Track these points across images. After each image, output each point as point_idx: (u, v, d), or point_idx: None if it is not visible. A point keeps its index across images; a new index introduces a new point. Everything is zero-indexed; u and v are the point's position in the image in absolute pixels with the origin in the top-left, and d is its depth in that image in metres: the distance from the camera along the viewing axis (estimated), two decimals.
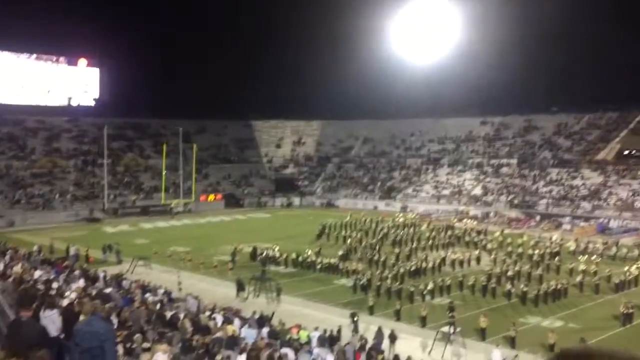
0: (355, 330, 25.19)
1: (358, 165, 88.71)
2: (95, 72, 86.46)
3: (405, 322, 27.77)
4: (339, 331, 23.49)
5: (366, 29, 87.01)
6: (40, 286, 18.50)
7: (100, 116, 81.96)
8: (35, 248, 37.67)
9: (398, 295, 31.07)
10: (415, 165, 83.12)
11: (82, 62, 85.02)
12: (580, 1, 73.89)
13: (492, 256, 40.87)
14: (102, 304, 10.36)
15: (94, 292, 20.35)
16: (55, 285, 20.25)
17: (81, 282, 23.36)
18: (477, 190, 71.89)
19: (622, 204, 59.63)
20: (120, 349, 11.12)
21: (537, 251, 41.14)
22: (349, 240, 46.30)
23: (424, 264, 37.69)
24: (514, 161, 75.18)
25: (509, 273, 34.70)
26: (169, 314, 20.11)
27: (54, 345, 7.36)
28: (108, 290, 22.64)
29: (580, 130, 77.19)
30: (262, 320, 22.59)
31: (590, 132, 75.85)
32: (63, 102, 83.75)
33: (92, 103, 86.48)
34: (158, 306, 21.73)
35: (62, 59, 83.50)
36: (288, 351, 15.82)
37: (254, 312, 24.06)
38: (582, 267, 35.99)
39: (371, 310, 29.00)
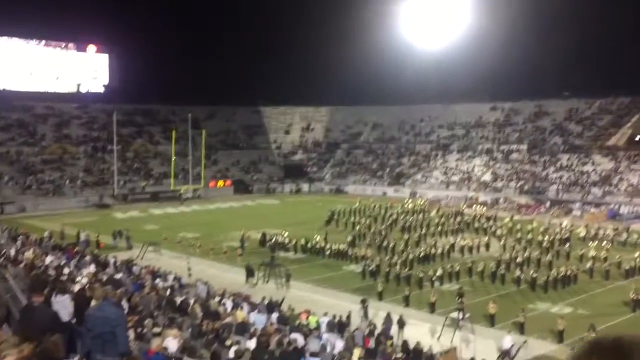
0: (365, 316, 25.24)
1: (367, 151, 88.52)
2: (104, 58, 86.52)
3: (414, 308, 27.80)
4: (348, 317, 23.55)
5: (376, 14, 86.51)
6: (52, 272, 18.66)
7: (110, 102, 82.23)
8: (46, 234, 37.93)
9: (407, 281, 31.09)
10: (425, 151, 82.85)
11: (91, 48, 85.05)
12: None
13: (502, 242, 40.79)
14: (113, 290, 10.43)
15: (104, 278, 20.50)
16: (66, 270, 20.41)
17: (92, 268, 23.56)
18: (487, 176, 71.64)
19: (633, 189, 59.24)
20: (131, 334, 11.20)
21: (547, 237, 41.00)
22: (357, 227, 46.32)
23: (433, 250, 37.66)
24: (524, 147, 74.76)
25: (518, 259, 34.61)
26: (179, 300, 20.24)
27: (65, 330, 7.40)
28: (118, 275, 22.81)
29: (592, 116, 76.58)
30: (272, 306, 22.68)
31: (602, 118, 75.24)
32: (72, 89, 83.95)
33: (102, 89, 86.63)
34: (168, 292, 21.88)
35: (71, 45, 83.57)
36: (297, 336, 15.87)
37: (264, 298, 24.16)
38: (592, 253, 35.85)
39: (380, 296, 29.05)
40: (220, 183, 77.32)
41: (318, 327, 20.28)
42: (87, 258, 28.13)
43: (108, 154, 73.73)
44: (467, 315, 24.77)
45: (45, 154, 71.95)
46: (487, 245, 40.61)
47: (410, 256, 35.70)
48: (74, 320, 9.08)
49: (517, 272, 32.17)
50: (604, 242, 39.57)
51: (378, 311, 25.83)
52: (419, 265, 34.80)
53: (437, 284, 31.29)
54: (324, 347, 15.29)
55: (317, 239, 40.25)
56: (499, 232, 44.48)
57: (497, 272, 32.62)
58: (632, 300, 27.57)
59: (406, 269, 32.80)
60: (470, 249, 39.24)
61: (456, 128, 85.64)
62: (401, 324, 23.65)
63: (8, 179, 64.48)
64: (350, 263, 36.86)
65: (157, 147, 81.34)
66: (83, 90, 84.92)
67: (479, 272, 33.28)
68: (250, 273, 32.31)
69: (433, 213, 53.04)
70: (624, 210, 56.23)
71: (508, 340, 21.46)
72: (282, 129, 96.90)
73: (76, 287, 14.49)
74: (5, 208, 58.51)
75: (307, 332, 17.75)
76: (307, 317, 21.63)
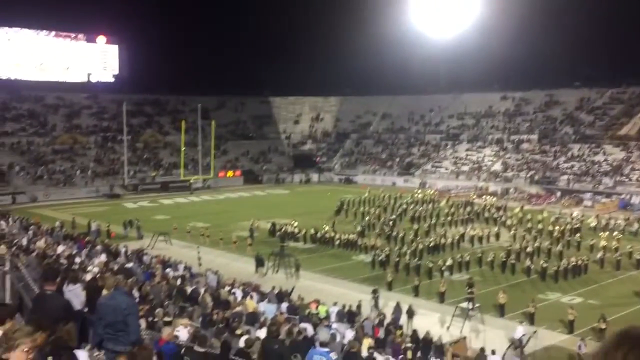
0: (376, 306, 25.27)
1: (376, 141, 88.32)
2: (114, 49, 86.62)
3: (424, 298, 27.81)
4: (358, 306, 23.61)
5: (385, 3, 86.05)
6: (63, 261, 18.81)
7: (120, 93, 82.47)
8: (57, 224, 38.19)
9: (417, 271, 31.07)
10: (434, 141, 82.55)
11: (101, 39, 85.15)
12: None
13: (512, 232, 40.66)
14: (124, 279, 10.49)
15: (115, 267, 20.64)
16: (77, 260, 20.58)
17: (103, 257, 23.73)
18: (497, 166, 71.32)
19: None
20: (142, 323, 11.28)
21: (557, 227, 40.83)
22: (367, 217, 46.32)
23: (442, 240, 37.61)
24: (535, 137, 74.29)
25: (529, 249, 34.50)
26: (189, 289, 20.35)
27: (78, 319, 7.46)
28: (129, 265, 22.96)
29: (603, 105, 75.95)
30: (282, 296, 22.77)
31: (613, 107, 74.59)
32: (82, 79, 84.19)
33: (112, 79, 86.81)
34: (179, 281, 22.01)
35: (80, 36, 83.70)
36: (307, 326, 15.94)
37: (273, 288, 24.25)
38: (603, 243, 35.68)
39: (390, 286, 29.06)
40: (230, 173, 77.49)
41: (328, 317, 20.33)
42: (98, 247, 28.35)
43: (118, 144, 74.02)
44: (477, 305, 24.77)
45: (56, 144, 72.33)
46: (497, 235, 40.54)
47: (420, 246, 35.66)
48: (85, 309, 9.16)
49: (527, 262, 32.07)
50: (615, 232, 39.37)
51: (388, 301, 25.85)
52: (428, 255, 34.78)
53: (446, 273, 31.26)
54: (333, 337, 15.33)
55: (326, 229, 40.34)
56: (509, 222, 44.34)
57: (507, 262, 32.53)
58: None
59: (416, 259, 32.81)
60: (480, 239, 39.15)
61: (466, 118, 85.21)
62: (410, 313, 23.68)
63: (19, 169, 64.90)
64: (359, 253, 36.90)
65: (166, 137, 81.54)
66: (93, 80, 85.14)
67: (488, 262, 33.23)
68: (260, 263, 32.41)
69: (443, 203, 52.96)
70: (635, 200, 55.82)
71: (520, 331, 21.44)
72: (291, 119, 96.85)
73: (88, 277, 14.62)
74: (17, 198, 58.94)
75: (316, 322, 17.80)
76: (317, 307, 21.69)
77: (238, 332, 13.85)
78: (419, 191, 60.27)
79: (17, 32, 78.25)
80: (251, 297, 20.44)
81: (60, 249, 23.40)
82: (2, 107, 75.38)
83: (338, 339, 15.80)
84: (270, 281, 28.36)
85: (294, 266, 31.73)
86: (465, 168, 73.24)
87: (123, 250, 28.81)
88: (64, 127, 76.48)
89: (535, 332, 21.74)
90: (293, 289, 25.34)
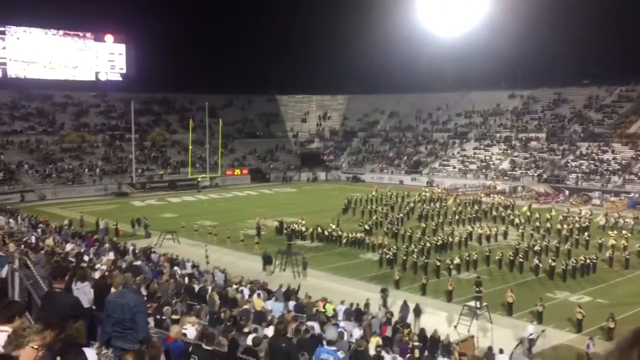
0: (384, 304, 25.25)
1: (384, 140, 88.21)
2: (122, 48, 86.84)
3: (431, 297, 27.77)
4: (366, 305, 23.59)
5: (393, 1, 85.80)
6: (72, 259, 18.88)
7: (127, 91, 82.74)
8: (65, 222, 38.32)
9: (424, 270, 31.03)
10: (442, 140, 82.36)
11: (109, 38, 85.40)
12: None
13: (520, 231, 40.53)
14: (133, 277, 10.51)
15: (124, 265, 20.70)
16: (86, 258, 20.65)
17: (111, 255, 23.81)
18: (505, 165, 71.10)
19: None
20: (150, 321, 11.31)
21: (566, 226, 40.68)
22: (374, 216, 46.27)
23: (450, 239, 37.54)
24: (543, 135, 74.02)
25: (537, 248, 34.37)
26: (197, 287, 20.40)
27: (86, 317, 7.49)
28: (137, 263, 23.01)
29: (612, 103, 75.57)
30: (289, 294, 22.77)
31: (622, 105, 74.21)
32: (91, 77, 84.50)
33: (120, 78, 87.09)
34: (186, 279, 22.06)
35: (89, 35, 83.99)
36: (314, 324, 15.94)
37: (281, 286, 24.26)
38: (611, 241, 35.51)
39: (397, 285, 29.04)
40: (237, 171, 77.61)
41: (335, 315, 20.33)
42: (106, 245, 28.45)
43: (126, 143, 74.26)
44: (485, 304, 24.71)
45: (64, 142, 72.65)
46: (505, 234, 40.42)
47: (428, 244, 35.61)
48: (94, 307, 9.18)
49: (535, 261, 31.94)
50: (624, 231, 39.17)
51: (395, 300, 25.82)
52: (436, 253, 34.68)
53: (454, 272, 31.19)
54: (341, 335, 15.33)
55: (333, 227, 40.34)
56: (517, 220, 44.20)
57: (515, 260, 32.44)
58: None
59: (423, 258, 32.75)
60: (488, 238, 39.03)
61: (474, 116, 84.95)
62: (417, 312, 23.64)
63: (28, 168, 65.22)
64: (367, 251, 36.88)
65: (174, 135, 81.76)
66: (101, 78, 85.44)
67: (496, 260, 33.13)
68: (267, 261, 32.45)
69: (450, 201, 52.84)
70: None
71: (530, 330, 21.36)
72: (298, 117, 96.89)
73: (96, 274, 14.66)
74: (26, 196, 59.29)
75: (324, 320, 17.80)
76: (324, 305, 21.68)
77: (245, 330, 13.88)
78: (427, 189, 60.17)
79: (25, 31, 78.58)
80: (259, 295, 20.45)
81: (68, 247, 23.50)
82: (11, 105, 75.88)
83: (345, 337, 15.79)
84: (277, 279, 28.37)
85: (301, 264, 31.72)
86: (473, 166, 73.05)
87: (131, 248, 28.92)
88: (72, 126, 76.81)
89: (543, 331, 21.68)
90: (300, 287, 25.34)
